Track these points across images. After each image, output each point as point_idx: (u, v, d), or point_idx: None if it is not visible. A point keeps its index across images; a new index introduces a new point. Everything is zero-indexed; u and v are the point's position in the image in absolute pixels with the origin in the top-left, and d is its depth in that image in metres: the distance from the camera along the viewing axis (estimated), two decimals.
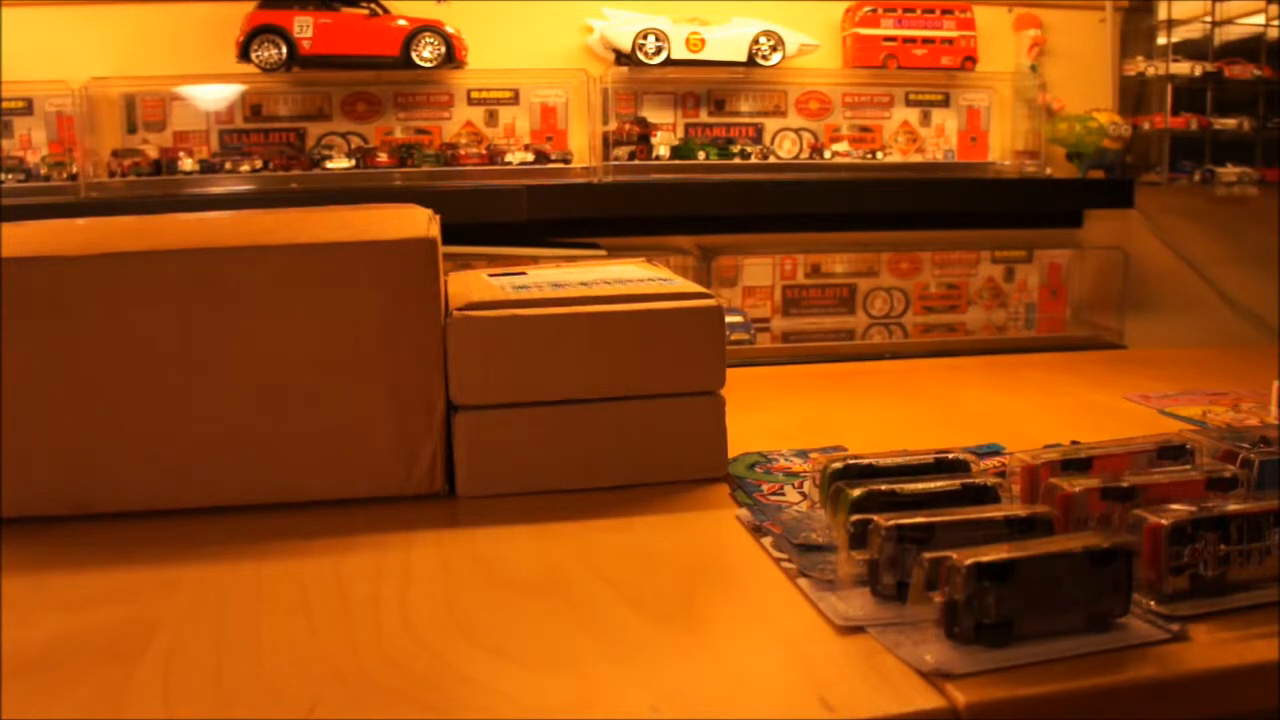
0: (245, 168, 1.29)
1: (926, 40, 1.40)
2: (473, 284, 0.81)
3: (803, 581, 0.58)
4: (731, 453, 0.78)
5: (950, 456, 0.67)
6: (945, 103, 1.47)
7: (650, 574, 0.61)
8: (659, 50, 1.32)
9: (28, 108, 1.29)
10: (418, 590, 0.58)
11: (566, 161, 1.35)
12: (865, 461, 0.66)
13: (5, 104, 1.28)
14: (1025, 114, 1.48)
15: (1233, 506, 0.56)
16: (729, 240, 1.45)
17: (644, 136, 1.35)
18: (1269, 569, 0.56)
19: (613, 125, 1.36)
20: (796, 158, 1.42)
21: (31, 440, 0.69)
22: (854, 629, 0.52)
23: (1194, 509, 0.55)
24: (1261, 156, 1.49)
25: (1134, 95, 1.51)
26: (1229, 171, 1.48)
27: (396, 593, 0.58)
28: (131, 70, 1.29)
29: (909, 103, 1.47)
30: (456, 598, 0.57)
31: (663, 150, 1.35)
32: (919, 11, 1.40)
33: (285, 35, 1.24)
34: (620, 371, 0.75)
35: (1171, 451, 0.69)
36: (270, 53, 1.24)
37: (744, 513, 0.69)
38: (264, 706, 0.46)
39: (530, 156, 1.34)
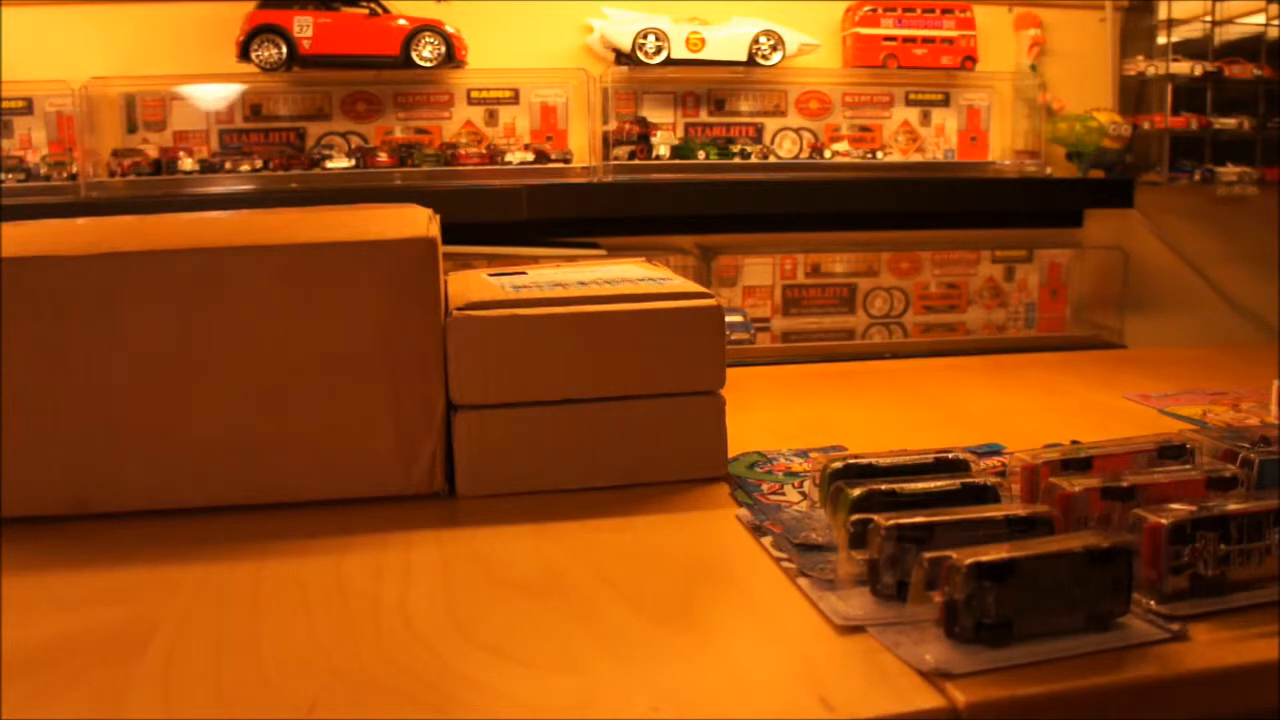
0: (245, 168, 1.29)
1: (926, 40, 1.40)
2: (473, 284, 0.81)
3: (803, 581, 0.58)
4: (731, 452, 0.78)
5: (950, 456, 0.67)
6: (945, 102, 1.47)
7: (650, 574, 0.61)
8: (659, 50, 1.32)
9: (28, 108, 1.29)
10: (418, 590, 0.58)
11: (566, 161, 1.35)
12: (865, 461, 0.66)
13: (5, 104, 1.28)
14: (1025, 114, 1.48)
15: (1233, 506, 0.56)
16: (729, 240, 1.45)
17: (644, 136, 1.35)
18: (1269, 569, 0.56)
19: (613, 125, 1.36)
20: (796, 157, 1.42)
21: (31, 440, 0.69)
22: (854, 629, 0.52)
23: (1194, 509, 0.55)
24: (1261, 156, 1.49)
25: (1134, 95, 1.51)
26: (1229, 171, 1.47)
27: (396, 593, 0.58)
28: (131, 70, 1.29)
29: (909, 102, 1.47)
30: (456, 597, 0.57)
31: (663, 150, 1.35)
32: (919, 11, 1.40)
33: (285, 35, 1.24)
34: (620, 371, 0.75)
35: (1171, 451, 0.69)
36: (270, 52, 1.24)
37: (744, 512, 0.69)
38: (264, 706, 0.46)
39: (530, 156, 1.34)
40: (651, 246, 1.37)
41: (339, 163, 1.30)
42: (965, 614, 0.49)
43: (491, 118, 1.38)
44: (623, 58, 1.34)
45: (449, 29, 1.28)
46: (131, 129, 1.32)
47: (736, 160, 1.37)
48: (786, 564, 0.61)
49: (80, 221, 0.85)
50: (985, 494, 0.61)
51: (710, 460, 0.77)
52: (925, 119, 1.47)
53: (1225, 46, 1.48)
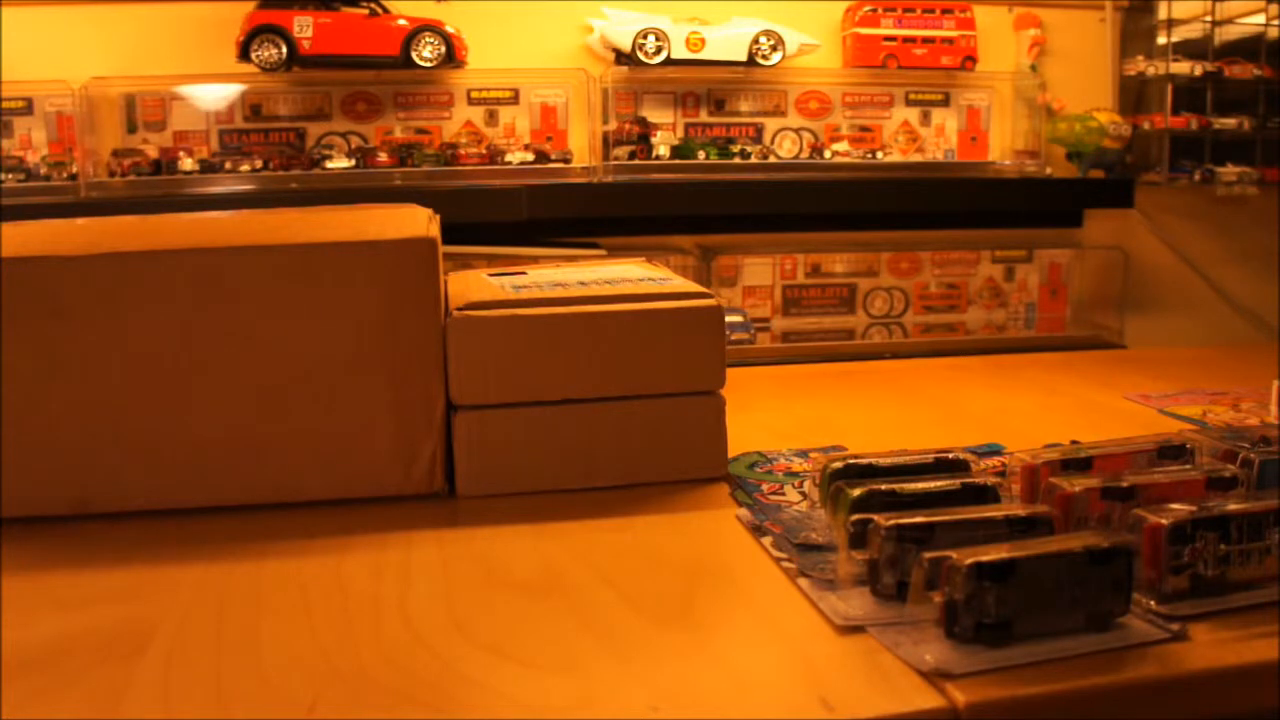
0: (245, 168, 1.29)
1: (926, 40, 1.40)
2: (473, 284, 0.81)
3: (803, 581, 0.58)
4: (731, 453, 0.78)
5: (950, 456, 0.67)
6: (945, 102, 1.47)
7: (650, 574, 0.61)
8: (659, 50, 1.32)
9: (28, 108, 1.29)
10: (418, 590, 0.58)
11: (566, 161, 1.35)
12: (865, 461, 0.66)
13: (5, 104, 1.28)
14: (1025, 114, 1.48)
15: (1233, 506, 0.56)
16: (729, 240, 1.45)
17: (644, 136, 1.35)
18: (1269, 569, 0.56)
19: (613, 125, 1.36)
20: (796, 158, 1.42)
21: (31, 440, 0.69)
22: (854, 629, 0.52)
23: (1194, 509, 0.55)
24: (1261, 156, 1.49)
25: (1134, 95, 1.51)
26: (1229, 171, 1.47)
27: (396, 593, 0.58)
28: (131, 70, 1.29)
29: (909, 102, 1.47)
30: (456, 598, 0.57)
31: (663, 150, 1.34)
32: (919, 11, 1.40)
33: (285, 35, 1.24)
34: (620, 371, 0.75)
35: (1171, 451, 0.69)
36: (270, 52, 1.24)
37: (744, 512, 0.69)
38: (264, 706, 0.46)
39: (530, 156, 1.34)
40: (651, 246, 1.37)
41: (339, 163, 1.30)
42: (965, 614, 0.49)
43: (491, 118, 1.38)
44: (623, 58, 1.34)
45: (449, 29, 1.28)
46: (131, 129, 1.32)
47: (736, 160, 1.37)
48: (786, 564, 0.61)
49: (80, 221, 0.85)
50: (985, 494, 0.61)
51: (710, 460, 0.77)
52: (925, 119, 1.47)
53: (1225, 46, 1.48)
